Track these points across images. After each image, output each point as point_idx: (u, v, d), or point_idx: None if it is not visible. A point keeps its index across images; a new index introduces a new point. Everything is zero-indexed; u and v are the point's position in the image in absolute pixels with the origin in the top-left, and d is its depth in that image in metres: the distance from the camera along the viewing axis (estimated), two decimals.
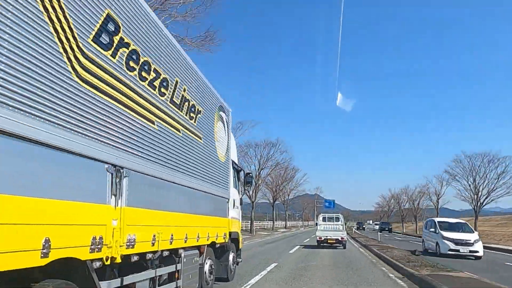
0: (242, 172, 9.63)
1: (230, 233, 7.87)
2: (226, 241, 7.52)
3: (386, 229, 58.49)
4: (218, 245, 7.20)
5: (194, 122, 5.75)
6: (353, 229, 60.45)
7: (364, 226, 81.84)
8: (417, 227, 66.07)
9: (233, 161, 8.71)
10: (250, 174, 9.99)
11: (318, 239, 21.14)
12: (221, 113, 7.31)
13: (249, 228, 42.81)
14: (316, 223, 23.52)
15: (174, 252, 5.13)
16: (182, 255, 5.27)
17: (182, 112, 5.24)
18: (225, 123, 7.61)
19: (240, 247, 9.13)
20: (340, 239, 20.86)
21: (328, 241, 20.89)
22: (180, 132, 5.15)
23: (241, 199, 9.54)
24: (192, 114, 5.63)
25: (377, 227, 70.85)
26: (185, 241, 5.26)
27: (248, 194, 39.52)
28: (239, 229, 9.13)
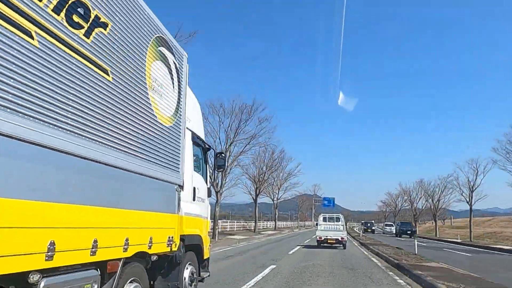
0: (210, 152, 7.02)
1: (183, 238, 5.27)
2: (174, 249, 4.93)
3: (408, 231, 42.12)
4: (157, 256, 4.62)
5: (87, 37, 3.15)
6: (360, 232, 44.46)
7: (373, 228, 59.69)
8: (436, 229, 51.49)
9: (195, 135, 6.15)
10: (223, 155, 7.37)
11: (318, 239, 20.99)
12: (163, 49, 4.69)
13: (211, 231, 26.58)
14: (317, 223, 23.03)
15: (13, 282, 2.54)
16: (41, 284, 2.66)
17: (40, 1, 2.64)
18: (173, 69, 5.00)
19: (206, 256, 6.53)
20: (340, 239, 20.58)
21: (328, 241, 20.68)
22: (33, 38, 2.56)
23: (209, 190, 6.95)
24: (79, 21, 3.03)
25: (390, 228, 54.77)
26: (50, 257, 2.65)
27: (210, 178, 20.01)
28: (204, 231, 6.52)
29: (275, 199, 53.00)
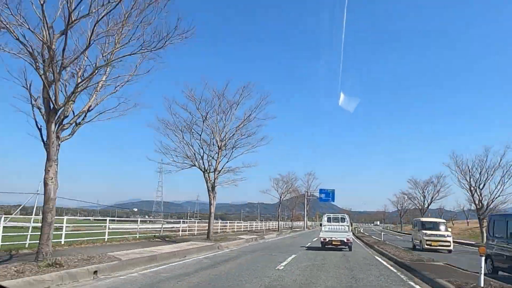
0: None
1: None
2: None
3: None
4: None
5: None
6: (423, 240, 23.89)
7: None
8: None
9: None
10: None
11: (322, 241, 20.44)
12: None
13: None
14: (320, 224, 22.06)
15: None
16: None
17: None
18: None
19: None
20: (345, 240, 19.97)
21: (333, 243, 20.11)
22: None
23: None
24: None
25: None
26: None
27: None
28: None
29: (211, 169, 24.24)
